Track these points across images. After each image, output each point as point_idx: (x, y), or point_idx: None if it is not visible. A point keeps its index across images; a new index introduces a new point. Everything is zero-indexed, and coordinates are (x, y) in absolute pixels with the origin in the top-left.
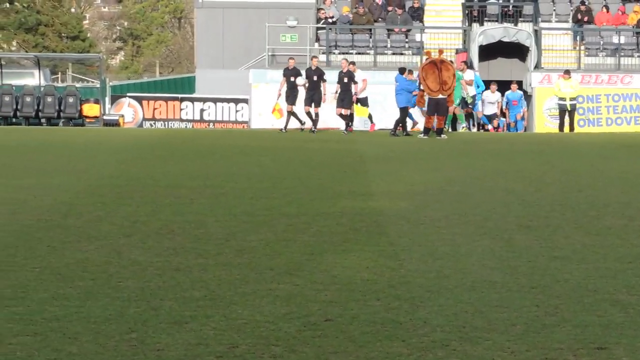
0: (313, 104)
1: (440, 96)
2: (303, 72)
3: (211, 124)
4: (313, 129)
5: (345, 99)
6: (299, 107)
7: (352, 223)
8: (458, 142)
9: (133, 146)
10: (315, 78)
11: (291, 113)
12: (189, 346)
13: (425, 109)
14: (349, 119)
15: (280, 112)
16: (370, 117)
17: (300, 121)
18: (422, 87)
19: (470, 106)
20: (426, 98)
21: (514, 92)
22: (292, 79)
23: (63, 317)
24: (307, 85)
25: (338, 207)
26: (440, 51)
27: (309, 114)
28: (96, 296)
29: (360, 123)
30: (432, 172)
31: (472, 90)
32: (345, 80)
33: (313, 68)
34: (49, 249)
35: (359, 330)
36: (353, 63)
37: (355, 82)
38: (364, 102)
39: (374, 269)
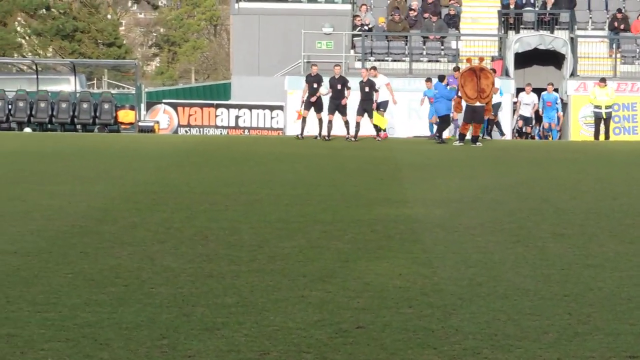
0: (339, 113)
1: (478, 104)
2: (326, 81)
3: (246, 131)
4: (347, 137)
5: (368, 108)
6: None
7: (386, 230)
8: (493, 150)
9: (168, 153)
10: (339, 87)
11: (304, 119)
12: (220, 353)
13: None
14: (376, 128)
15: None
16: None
17: (301, 130)
18: (459, 94)
19: (493, 114)
20: (463, 105)
21: (549, 94)
22: (315, 85)
23: (95, 323)
24: (330, 94)
25: (373, 215)
26: (481, 59)
27: (330, 122)
28: (128, 302)
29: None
30: (467, 179)
31: (496, 98)
32: (367, 89)
33: (336, 77)
34: (82, 254)
35: (391, 337)
36: (374, 68)
37: (377, 91)
38: (383, 106)
39: (406, 277)
